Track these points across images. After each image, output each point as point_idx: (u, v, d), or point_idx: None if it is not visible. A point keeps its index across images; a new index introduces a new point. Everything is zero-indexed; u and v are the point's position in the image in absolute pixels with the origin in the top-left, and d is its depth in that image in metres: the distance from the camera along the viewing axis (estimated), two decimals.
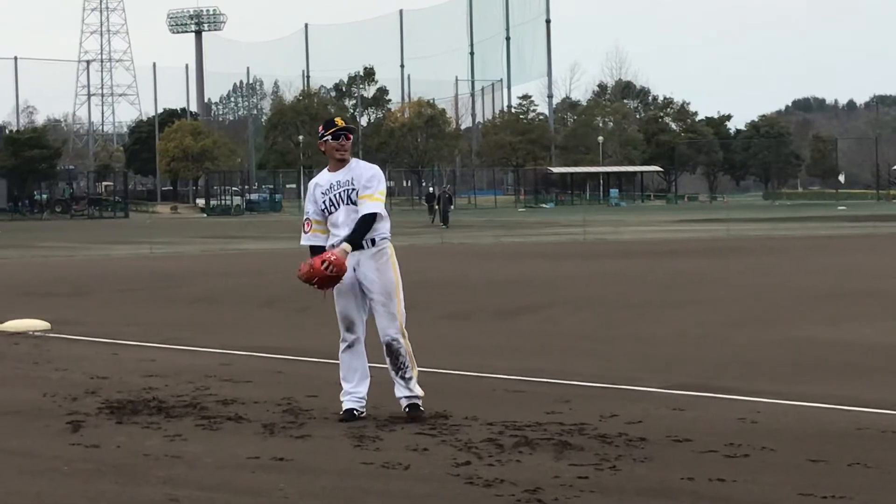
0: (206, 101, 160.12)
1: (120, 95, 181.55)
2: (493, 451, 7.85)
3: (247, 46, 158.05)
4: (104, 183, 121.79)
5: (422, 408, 9.11)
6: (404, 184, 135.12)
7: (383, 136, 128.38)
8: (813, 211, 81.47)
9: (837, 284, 21.54)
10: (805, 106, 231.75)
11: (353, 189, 9.06)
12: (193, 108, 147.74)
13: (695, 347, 13.39)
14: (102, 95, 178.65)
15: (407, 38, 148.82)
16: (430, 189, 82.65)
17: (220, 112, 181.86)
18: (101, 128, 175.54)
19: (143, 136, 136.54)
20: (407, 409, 9.09)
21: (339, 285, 9.04)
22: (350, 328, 9.25)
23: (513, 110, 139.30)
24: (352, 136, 9.27)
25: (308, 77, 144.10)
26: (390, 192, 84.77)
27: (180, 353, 13.31)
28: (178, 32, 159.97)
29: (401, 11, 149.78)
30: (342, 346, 9.31)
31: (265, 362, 12.46)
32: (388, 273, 9.14)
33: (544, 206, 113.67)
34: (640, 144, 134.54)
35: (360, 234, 9.01)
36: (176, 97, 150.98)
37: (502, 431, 8.47)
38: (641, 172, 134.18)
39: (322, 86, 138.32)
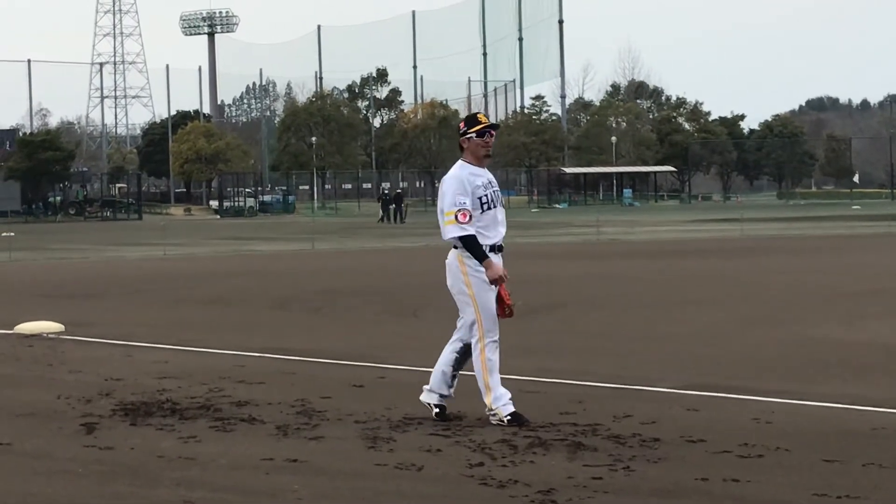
0: (219, 102, 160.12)
1: (133, 97, 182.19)
2: (506, 451, 7.85)
3: (259, 48, 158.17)
4: (118, 185, 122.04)
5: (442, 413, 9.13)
6: (418, 185, 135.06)
7: (396, 137, 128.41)
8: (827, 210, 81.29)
9: (852, 284, 21.49)
10: (819, 105, 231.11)
11: (498, 192, 9.14)
12: (206, 109, 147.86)
13: (708, 347, 13.36)
14: (116, 98, 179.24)
15: (419, 39, 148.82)
16: (385, 191, 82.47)
17: (233, 114, 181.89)
18: (114, 130, 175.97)
19: (156, 138, 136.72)
20: (435, 410, 9.10)
21: (490, 285, 8.90)
22: (496, 325, 8.98)
23: (526, 111, 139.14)
24: (495, 135, 9.17)
25: (321, 78, 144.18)
26: (404, 193, 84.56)
27: (194, 355, 13.32)
28: (190, 34, 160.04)
29: (413, 12, 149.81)
30: (493, 345, 8.93)
31: (278, 363, 12.46)
32: None
33: (557, 206, 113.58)
34: (654, 144, 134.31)
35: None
36: (189, 99, 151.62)
37: (516, 432, 8.46)
38: (655, 172, 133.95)
39: (335, 87, 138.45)
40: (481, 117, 9.17)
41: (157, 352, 13.62)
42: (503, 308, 8.91)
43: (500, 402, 8.79)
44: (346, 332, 15.64)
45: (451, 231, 8.84)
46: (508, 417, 8.73)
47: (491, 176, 9.08)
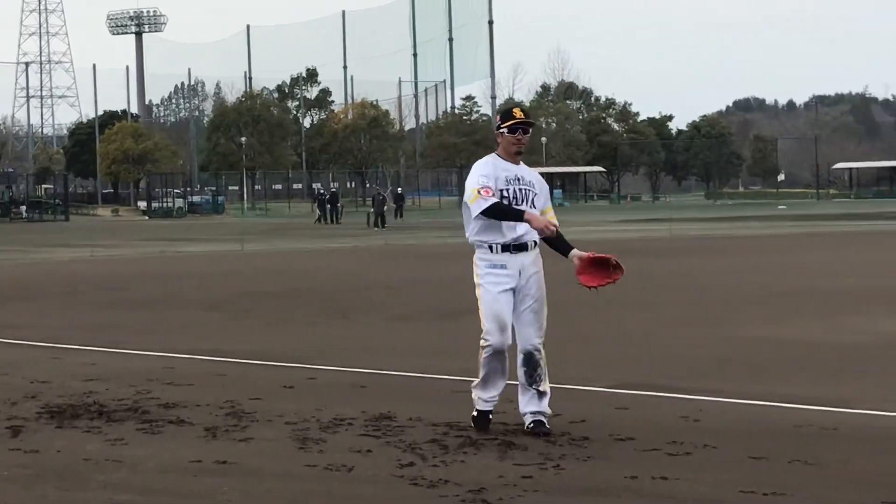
0: (147, 102, 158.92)
1: (60, 97, 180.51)
2: (437, 451, 7.85)
3: (188, 48, 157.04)
4: (44, 186, 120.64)
5: (548, 426, 8.43)
6: (348, 185, 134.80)
7: (327, 137, 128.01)
8: (754, 210, 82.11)
9: (779, 283, 21.71)
10: (745, 106, 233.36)
11: (536, 195, 8.55)
12: (134, 109, 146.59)
13: (637, 347, 13.44)
14: (42, 97, 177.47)
15: (349, 39, 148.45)
16: (321, 191, 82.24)
17: (162, 114, 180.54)
18: (40, 130, 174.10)
19: (83, 138, 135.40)
20: (531, 426, 8.41)
21: (507, 285, 8.45)
22: (504, 330, 8.43)
23: (456, 111, 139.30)
24: (530, 130, 8.69)
25: (250, 78, 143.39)
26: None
27: (122, 357, 13.21)
28: (118, 34, 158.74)
29: (343, 13, 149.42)
30: (489, 350, 8.47)
31: (207, 365, 12.39)
32: (542, 278, 8.66)
33: None
34: (583, 145, 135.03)
35: (560, 243, 8.60)
36: (116, 99, 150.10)
37: (447, 432, 8.47)
38: (584, 173, 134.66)
39: (264, 87, 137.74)
40: (517, 112, 8.63)
41: (84, 354, 13.50)
42: (599, 275, 8.58)
43: (477, 403, 8.63)
44: (276, 333, 15.59)
45: (477, 206, 8.36)
46: (474, 415, 8.64)
47: (527, 173, 8.60)
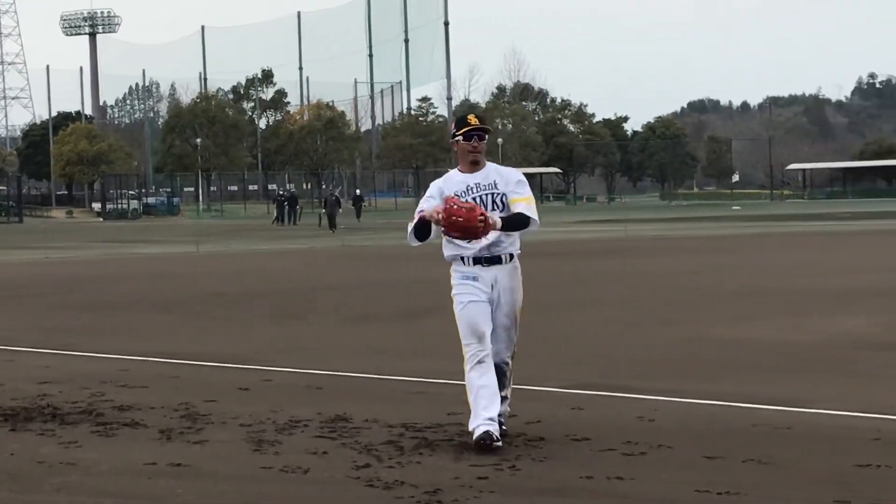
0: (101, 103, 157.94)
1: (13, 98, 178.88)
2: (393, 453, 7.84)
3: (142, 48, 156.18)
4: None
5: (505, 428, 8.22)
6: (304, 186, 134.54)
7: (282, 138, 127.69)
8: (708, 211, 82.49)
9: (734, 283, 21.82)
10: (700, 107, 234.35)
11: (500, 193, 8.20)
12: (88, 111, 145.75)
13: (593, 347, 13.49)
14: None
15: (305, 40, 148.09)
16: (280, 192, 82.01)
17: (116, 115, 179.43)
18: None
19: (36, 139, 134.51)
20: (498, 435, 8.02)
21: (478, 296, 8.17)
22: (482, 339, 8.17)
23: (412, 112, 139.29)
24: (486, 136, 8.31)
25: (205, 79, 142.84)
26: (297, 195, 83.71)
27: (76, 359, 13.13)
28: (71, 35, 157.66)
29: (298, 13, 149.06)
30: (472, 363, 8.21)
31: (162, 367, 12.33)
32: (519, 293, 8.34)
33: None
34: (539, 146, 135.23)
35: (514, 223, 8.14)
36: (70, 100, 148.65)
37: (403, 433, 8.46)
38: (540, 174, 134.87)
39: (220, 88, 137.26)
40: (471, 118, 8.31)
41: (38, 356, 13.41)
42: (456, 222, 7.95)
43: (473, 424, 8.04)
44: (231, 335, 15.53)
45: (409, 241, 8.40)
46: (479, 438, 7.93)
47: (485, 177, 8.24)
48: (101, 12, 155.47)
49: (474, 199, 8.13)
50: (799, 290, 19.93)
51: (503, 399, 8.33)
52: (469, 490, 6.84)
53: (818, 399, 9.72)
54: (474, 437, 7.94)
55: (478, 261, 8.23)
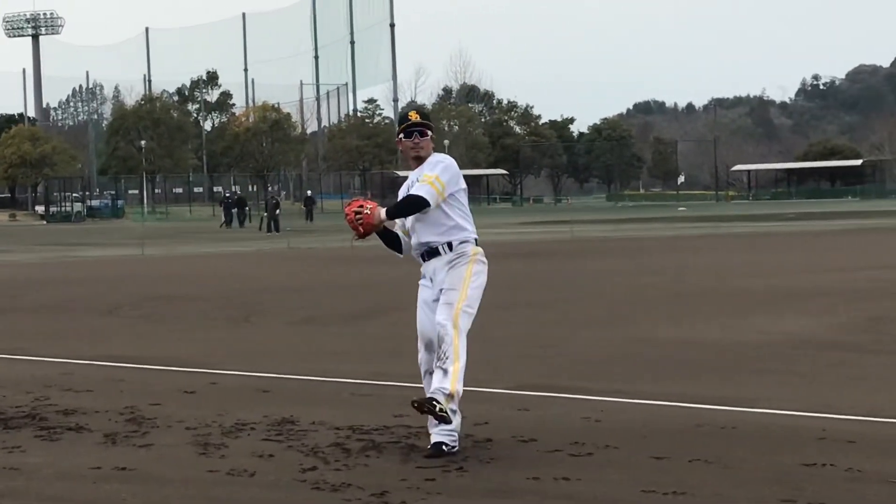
0: (44, 106, 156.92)
1: None
2: (339, 455, 7.82)
3: (86, 50, 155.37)
4: None
5: (436, 404, 7.61)
6: (250, 189, 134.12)
7: (227, 140, 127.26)
8: (655, 212, 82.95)
9: (680, 284, 21.94)
10: (646, 109, 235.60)
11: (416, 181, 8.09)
12: (31, 113, 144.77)
13: (539, 349, 13.50)
14: None
15: (250, 41, 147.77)
16: (227, 195, 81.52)
17: (60, 117, 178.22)
18: None
19: None
20: (420, 402, 7.73)
21: (421, 296, 8.08)
22: (429, 347, 7.97)
23: (358, 114, 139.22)
24: (429, 133, 8.14)
25: (149, 81, 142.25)
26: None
27: (19, 364, 13.00)
28: (14, 36, 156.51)
29: (243, 15, 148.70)
30: (422, 369, 8.11)
31: (107, 371, 12.23)
32: (461, 269, 7.96)
33: None
34: (486, 148, 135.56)
35: (398, 207, 8.01)
36: (13, 102, 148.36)
37: (349, 436, 8.43)
38: (487, 175, 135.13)
39: (164, 90, 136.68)
40: (412, 115, 8.18)
41: None
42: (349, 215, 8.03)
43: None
44: (176, 338, 15.44)
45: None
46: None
47: (418, 174, 8.11)
48: (44, 14, 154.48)
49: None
50: (743, 291, 20.06)
51: (445, 372, 7.71)
52: (416, 492, 6.83)
53: (763, 399, 9.78)
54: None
55: (421, 255, 8.17)
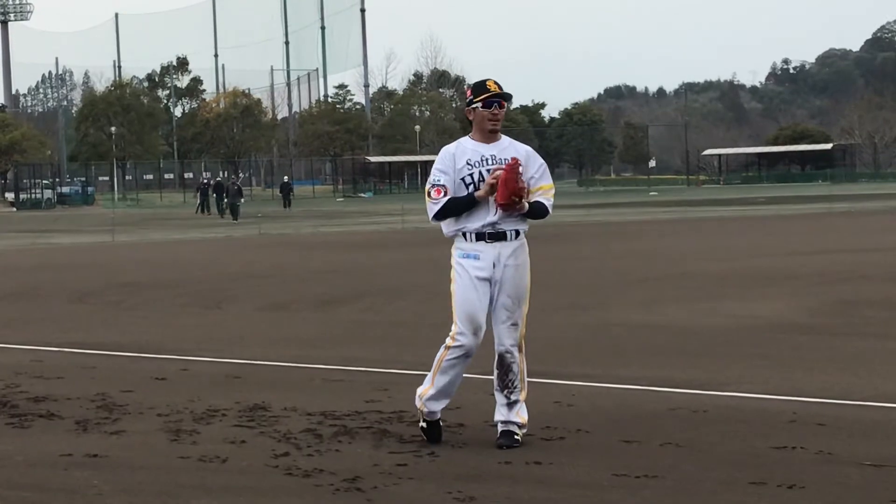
0: (13, 92, 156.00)
1: None
2: (311, 441, 7.82)
3: (55, 36, 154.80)
4: None
5: (518, 438, 7.62)
6: (221, 174, 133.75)
7: (198, 126, 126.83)
8: (626, 197, 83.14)
9: (650, 268, 22.00)
10: (616, 93, 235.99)
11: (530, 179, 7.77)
12: (1, 100, 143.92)
13: None
14: None
15: (220, 27, 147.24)
16: (204, 180, 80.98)
17: (30, 104, 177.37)
18: None
19: None
20: (500, 437, 7.65)
21: (471, 274, 7.62)
22: (477, 332, 7.63)
23: (329, 100, 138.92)
24: (506, 105, 7.82)
25: (119, 67, 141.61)
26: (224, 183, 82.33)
27: None
28: None
29: (213, 0, 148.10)
30: (458, 352, 7.70)
31: (78, 358, 12.20)
32: (526, 276, 7.79)
33: (363, 195, 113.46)
34: (457, 133, 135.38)
35: (534, 212, 7.70)
36: None
37: (321, 421, 8.43)
38: None
39: (134, 76, 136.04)
40: (490, 84, 7.78)
41: None
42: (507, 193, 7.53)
43: (428, 407, 7.77)
44: (147, 324, 15.40)
45: (429, 211, 7.75)
46: (423, 426, 7.83)
47: (502, 150, 7.80)
48: (13, 0, 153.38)
49: (488, 171, 7.66)
50: (714, 275, 20.14)
51: (511, 404, 7.69)
52: (388, 477, 6.83)
53: (734, 382, 9.83)
54: (422, 417, 7.80)
55: (481, 236, 7.68)
